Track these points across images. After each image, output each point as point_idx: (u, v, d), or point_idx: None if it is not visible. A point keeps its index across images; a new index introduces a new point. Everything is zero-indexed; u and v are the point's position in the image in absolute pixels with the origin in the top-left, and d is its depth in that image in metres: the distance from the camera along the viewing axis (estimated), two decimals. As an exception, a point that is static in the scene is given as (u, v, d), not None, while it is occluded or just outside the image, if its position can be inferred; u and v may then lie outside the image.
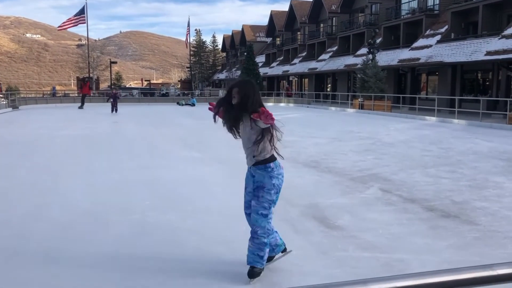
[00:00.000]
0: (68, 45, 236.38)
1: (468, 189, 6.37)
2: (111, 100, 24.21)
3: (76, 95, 39.83)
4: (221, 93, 44.55)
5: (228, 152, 9.15)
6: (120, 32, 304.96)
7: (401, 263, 3.71)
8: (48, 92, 48.36)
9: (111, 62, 46.73)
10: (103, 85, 56.46)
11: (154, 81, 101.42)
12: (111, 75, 47.18)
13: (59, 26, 38.01)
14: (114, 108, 23.94)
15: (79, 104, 28.19)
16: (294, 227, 4.65)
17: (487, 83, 24.53)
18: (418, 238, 4.33)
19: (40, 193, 6.12)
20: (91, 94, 32.52)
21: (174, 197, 5.95)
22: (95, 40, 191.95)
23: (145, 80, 78.92)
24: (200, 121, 18.60)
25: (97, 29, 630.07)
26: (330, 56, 38.69)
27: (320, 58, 40.44)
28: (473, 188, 6.47)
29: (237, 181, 5.69)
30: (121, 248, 4.02)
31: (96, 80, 45.05)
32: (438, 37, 25.83)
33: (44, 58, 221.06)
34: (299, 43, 47.87)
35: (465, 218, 4.99)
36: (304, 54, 45.02)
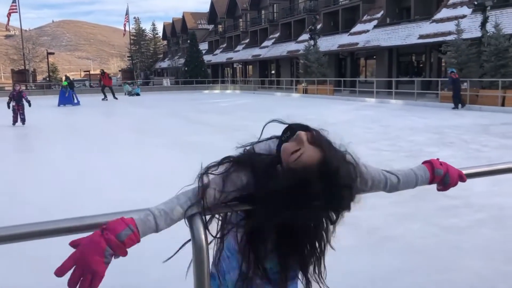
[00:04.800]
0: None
1: (406, 158, 7.18)
2: (13, 103, 13.50)
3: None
4: (165, 82, 44.10)
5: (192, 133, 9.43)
6: (53, 21, 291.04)
7: (353, 218, 4.31)
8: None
9: (48, 53, 44.79)
10: (40, 77, 54.12)
11: (92, 72, 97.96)
12: (48, 67, 45.34)
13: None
14: (18, 116, 13.58)
15: (102, 96, 26.83)
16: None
17: (421, 65, 26.18)
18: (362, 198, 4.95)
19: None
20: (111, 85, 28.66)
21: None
22: (25, 30, 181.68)
23: (84, 71, 76.42)
24: (150, 110, 18.67)
25: (27, 18, 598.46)
26: (273, 43, 39.43)
27: (263, 44, 41.08)
28: (410, 157, 7.29)
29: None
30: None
31: (33, 73, 43.11)
32: (375, 22, 27.17)
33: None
34: (241, 30, 48.02)
35: (404, 181, 5.70)
36: (247, 41, 45.47)
